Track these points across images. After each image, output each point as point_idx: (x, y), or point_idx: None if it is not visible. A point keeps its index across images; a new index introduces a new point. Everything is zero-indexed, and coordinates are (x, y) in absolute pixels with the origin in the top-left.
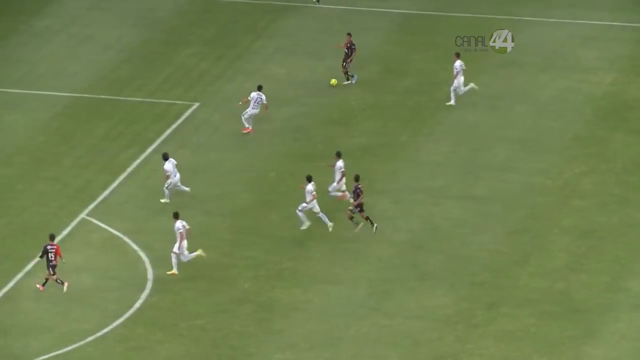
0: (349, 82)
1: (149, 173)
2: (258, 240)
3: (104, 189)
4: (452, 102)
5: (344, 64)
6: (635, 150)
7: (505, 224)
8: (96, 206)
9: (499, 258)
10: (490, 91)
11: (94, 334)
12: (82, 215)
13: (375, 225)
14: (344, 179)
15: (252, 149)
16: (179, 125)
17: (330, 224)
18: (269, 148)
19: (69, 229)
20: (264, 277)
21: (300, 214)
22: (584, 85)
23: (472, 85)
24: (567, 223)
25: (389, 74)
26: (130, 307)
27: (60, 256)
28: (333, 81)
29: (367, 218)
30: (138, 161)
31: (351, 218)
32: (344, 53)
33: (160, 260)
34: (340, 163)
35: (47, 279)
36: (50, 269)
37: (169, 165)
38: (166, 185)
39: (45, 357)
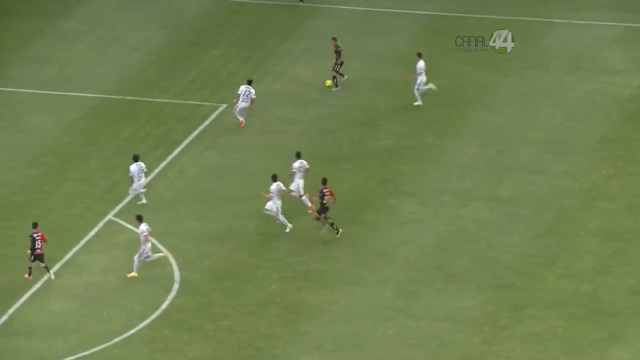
0: (336, 88)
1: (175, 174)
2: (284, 242)
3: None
4: (419, 102)
5: (335, 67)
6: None
7: (532, 226)
8: (123, 207)
9: (525, 260)
10: (517, 93)
11: (120, 335)
12: (109, 216)
13: (340, 230)
14: (300, 181)
15: (278, 151)
16: (206, 127)
17: (289, 227)
18: (295, 149)
19: (95, 230)
20: (290, 278)
21: (271, 215)
22: (611, 88)
23: (431, 85)
24: (594, 225)
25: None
26: (157, 308)
27: (45, 241)
28: (328, 82)
29: (332, 224)
30: (165, 163)
31: (318, 219)
32: (334, 58)
33: (187, 262)
34: (296, 164)
35: (47, 269)
36: (34, 257)
37: (134, 167)
38: (132, 189)
39: (72, 358)
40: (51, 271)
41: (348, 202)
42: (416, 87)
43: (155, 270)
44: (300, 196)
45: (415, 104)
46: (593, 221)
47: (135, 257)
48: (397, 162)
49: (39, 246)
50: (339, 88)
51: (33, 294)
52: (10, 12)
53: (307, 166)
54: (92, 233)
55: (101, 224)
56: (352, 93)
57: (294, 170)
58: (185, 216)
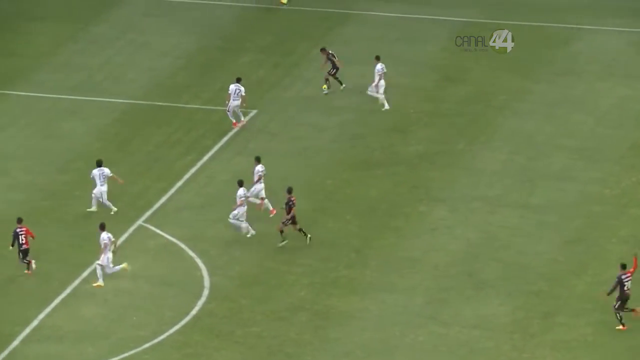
0: (343, 86)
1: (206, 180)
2: (314, 248)
3: (161, 196)
4: (386, 106)
5: (333, 71)
6: None
7: (562, 233)
8: (153, 213)
9: (555, 267)
10: (548, 99)
11: (150, 340)
12: (139, 222)
13: (309, 236)
14: (261, 184)
15: (308, 156)
16: (236, 132)
17: (251, 232)
18: (326, 155)
19: (125, 235)
20: (319, 284)
21: (232, 221)
22: None
23: (384, 100)
24: (625, 232)
25: (446, 82)
26: (187, 314)
27: (32, 236)
28: (324, 86)
29: (300, 229)
30: (195, 168)
31: (281, 232)
32: (330, 67)
33: (217, 268)
34: (258, 167)
35: (28, 262)
36: (21, 253)
37: (95, 171)
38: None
39: None
40: (32, 261)
41: (378, 208)
42: (379, 92)
43: (184, 276)
44: (263, 199)
45: (383, 109)
46: (623, 228)
47: (98, 267)
48: (427, 168)
49: (25, 241)
50: (328, 90)
51: (63, 300)
52: (41, 17)
53: (265, 172)
54: (122, 239)
55: (131, 229)
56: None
57: (260, 174)
58: (215, 222)
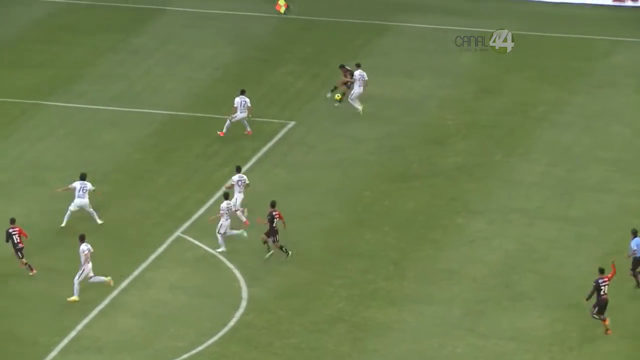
0: (329, 95)
1: (244, 192)
2: (352, 260)
3: (199, 207)
4: (359, 109)
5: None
6: None
7: (600, 246)
8: (191, 224)
9: (594, 280)
10: (586, 112)
11: (188, 351)
12: (177, 233)
13: (290, 252)
14: (239, 195)
15: (346, 168)
16: (274, 144)
17: (221, 249)
18: (364, 167)
19: (164, 246)
20: (358, 296)
21: (219, 236)
22: None
23: (331, 93)
24: None
25: (484, 93)
26: (225, 325)
27: (25, 236)
28: (337, 96)
29: (281, 247)
30: None
31: (265, 242)
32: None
33: (255, 279)
34: (236, 177)
35: (28, 265)
36: (18, 252)
37: (77, 184)
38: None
39: None
40: (34, 270)
41: (416, 221)
42: (351, 97)
43: (222, 288)
44: (235, 211)
45: (357, 111)
46: None
47: (76, 279)
48: (465, 180)
49: (19, 240)
50: (331, 95)
51: (101, 311)
52: (81, 28)
53: (247, 181)
54: (160, 250)
55: (169, 240)
56: (421, 110)
57: (232, 183)
58: (253, 233)
